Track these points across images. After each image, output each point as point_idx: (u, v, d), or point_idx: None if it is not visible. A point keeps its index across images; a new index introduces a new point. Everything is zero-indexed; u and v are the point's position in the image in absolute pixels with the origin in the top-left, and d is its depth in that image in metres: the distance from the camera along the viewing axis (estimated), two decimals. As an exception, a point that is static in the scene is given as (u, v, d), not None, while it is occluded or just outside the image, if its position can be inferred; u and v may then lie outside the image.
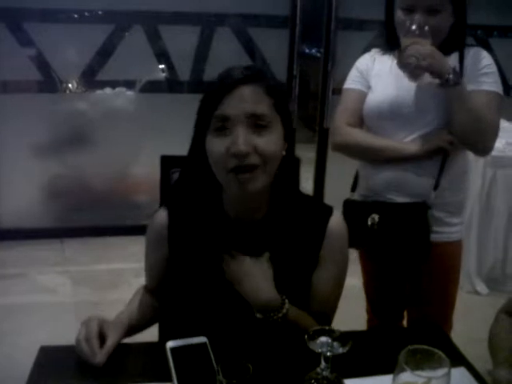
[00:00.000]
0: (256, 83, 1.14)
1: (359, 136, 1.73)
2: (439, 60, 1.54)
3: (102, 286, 2.92)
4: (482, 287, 3.09)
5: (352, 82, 1.78)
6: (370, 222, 1.69)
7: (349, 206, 1.79)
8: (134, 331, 1.31)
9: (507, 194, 3.01)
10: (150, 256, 1.36)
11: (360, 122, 1.75)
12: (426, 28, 1.55)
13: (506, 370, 1.11)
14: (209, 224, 1.25)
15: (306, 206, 1.28)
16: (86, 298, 2.90)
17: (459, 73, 1.58)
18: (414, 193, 1.66)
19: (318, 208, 1.29)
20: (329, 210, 1.28)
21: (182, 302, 1.29)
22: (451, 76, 1.54)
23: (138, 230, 3.63)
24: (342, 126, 1.74)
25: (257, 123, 1.13)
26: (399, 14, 1.61)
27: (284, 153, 1.20)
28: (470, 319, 2.46)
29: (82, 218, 3.58)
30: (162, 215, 1.30)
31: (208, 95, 1.17)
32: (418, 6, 1.56)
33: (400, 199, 1.68)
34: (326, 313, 1.30)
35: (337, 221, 1.28)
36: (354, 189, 1.84)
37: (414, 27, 1.55)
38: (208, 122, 1.15)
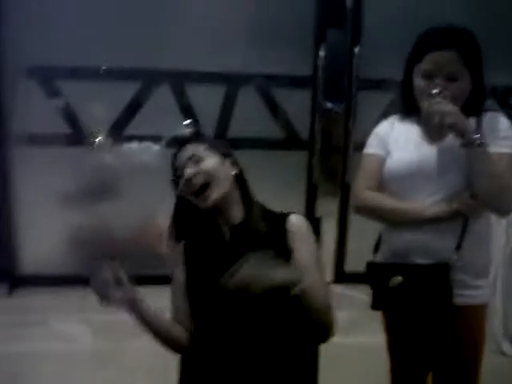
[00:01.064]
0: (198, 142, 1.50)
1: (379, 200, 1.75)
2: (463, 119, 1.56)
3: (122, 335, 2.87)
4: (508, 347, 3.01)
5: (371, 147, 1.80)
6: (392, 284, 1.69)
7: (371, 268, 1.79)
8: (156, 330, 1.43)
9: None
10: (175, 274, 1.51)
11: (379, 186, 1.77)
12: (446, 93, 1.57)
13: None
14: (205, 232, 1.48)
15: (269, 213, 1.48)
16: (106, 347, 2.90)
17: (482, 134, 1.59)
18: (436, 254, 1.65)
19: (279, 213, 1.48)
20: (288, 213, 1.47)
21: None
22: (476, 136, 1.55)
23: (160, 280, 3.65)
24: (361, 190, 1.77)
25: (195, 155, 1.43)
26: (419, 81, 1.64)
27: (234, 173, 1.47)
28: (496, 380, 2.38)
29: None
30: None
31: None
32: (438, 72, 1.59)
33: (423, 261, 1.67)
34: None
35: (296, 216, 1.45)
36: (376, 250, 1.84)
37: (435, 90, 1.57)
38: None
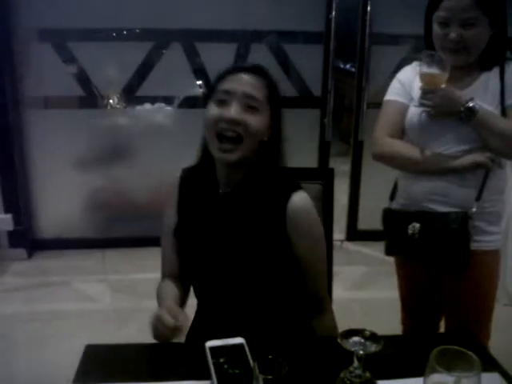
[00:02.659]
0: (258, 75, 1.36)
1: (400, 147, 1.76)
2: (449, 102, 1.62)
3: (140, 294, 2.98)
4: (521, 301, 3.06)
5: (393, 93, 1.80)
6: (410, 231, 1.72)
7: (388, 215, 1.82)
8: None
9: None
10: (165, 216, 1.50)
11: (401, 133, 1.77)
12: (445, 59, 1.59)
13: None
14: (203, 186, 1.44)
15: (276, 184, 1.40)
16: (125, 306, 2.98)
17: (474, 105, 1.60)
18: (456, 203, 1.68)
19: (282, 187, 1.39)
20: (291, 189, 1.38)
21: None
22: (463, 114, 1.60)
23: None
24: (382, 137, 1.77)
25: (250, 104, 1.33)
26: (436, 29, 1.64)
27: (266, 138, 1.38)
28: (507, 332, 2.43)
29: (121, 229, 3.69)
30: (177, 173, 1.52)
31: (220, 74, 1.39)
32: (452, 19, 1.59)
33: (441, 209, 1.70)
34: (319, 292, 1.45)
35: (298, 200, 1.37)
36: (392, 198, 1.86)
37: (452, 36, 1.59)
38: (213, 92, 1.37)
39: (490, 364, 1.19)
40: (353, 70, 3.89)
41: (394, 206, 1.85)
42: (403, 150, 1.75)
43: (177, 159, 3.48)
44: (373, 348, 0.96)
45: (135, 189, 3.65)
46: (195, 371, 1.15)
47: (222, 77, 1.37)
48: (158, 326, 1.26)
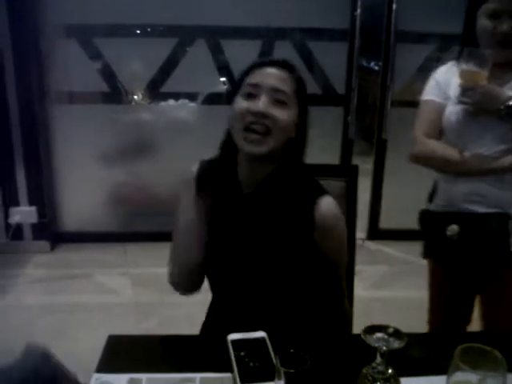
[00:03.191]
0: (286, 69, 1.34)
1: (438, 148, 1.73)
2: (489, 99, 1.59)
3: (160, 288, 2.96)
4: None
5: (430, 93, 1.77)
6: (449, 233, 1.69)
7: (426, 216, 1.79)
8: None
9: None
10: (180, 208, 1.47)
11: (438, 133, 1.75)
12: (485, 56, 1.57)
13: None
14: (222, 182, 1.41)
15: (301, 186, 1.38)
16: (146, 300, 3.00)
17: None
18: (496, 204, 1.65)
19: (308, 191, 1.38)
20: (317, 193, 1.36)
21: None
22: (503, 112, 1.58)
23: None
24: (420, 137, 1.75)
25: (278, 98, 1.31)
26: (483, 22, 1.60)
27: (294, 134, 1.36)
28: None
29: (143, 223, 3.72)
30: (194, 166, 1.46)
31: (247, 67, 1.37)
32: (503, 11, 1.55)
33: (480, 210, 1.67)
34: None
35: (326, 206, 1.35)
36: (431, 199, 1.83)
37: (503, 28, 1.55)
38: (240, 86, 1.35)
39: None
40: (376, 68, 3.86)
41: (433, 207, 1.82)
42: (441, 150, 1.73)
43: (199, 155, 3.54)
44: (396, 344, 0.95)
45: (157, 184, 3.67)
46: (215, 363, 1.16)
47: (249, 71, 1.36)
48: None
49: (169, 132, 3.60)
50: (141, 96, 3.54)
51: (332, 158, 3.61)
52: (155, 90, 3.54)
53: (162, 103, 3.58)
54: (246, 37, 3.48)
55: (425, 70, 3.51)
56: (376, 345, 0.96)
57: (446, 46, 3.50)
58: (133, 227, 3.74)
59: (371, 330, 0.98)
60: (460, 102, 1.64)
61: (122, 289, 3.16)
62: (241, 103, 1.32)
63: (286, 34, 3.48)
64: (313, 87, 3.54)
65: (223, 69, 3.50)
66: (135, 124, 3.60)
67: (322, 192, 1.37)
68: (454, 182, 1.72)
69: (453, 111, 1.70)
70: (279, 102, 1.30)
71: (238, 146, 1.34)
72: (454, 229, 1.68)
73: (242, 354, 1.15)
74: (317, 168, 1.54)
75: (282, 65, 1.35)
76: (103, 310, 2.90)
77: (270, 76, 1.32)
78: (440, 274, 1.88)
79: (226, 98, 3.54)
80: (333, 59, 3.54)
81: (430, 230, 1.77)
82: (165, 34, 3.45)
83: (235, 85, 1.40)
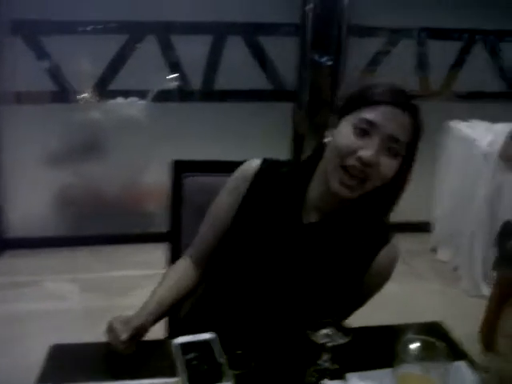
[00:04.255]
0: (409, 113, 1.21)
1: None
2: None
3: (112, 292, 2.95)
4: (487, 291, 3.07)
5: None
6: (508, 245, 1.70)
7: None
8: (169, 310, 1.37)
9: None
10: (220, 202, 1.39)
11: None
12: None
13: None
14: (285, 202, 1.30)
15: (370, 226, 1.29)
16: (97, 305, 2.92)
17: None
18: None
19: (377, 232, 1.30)
20: (383, 241, 1.29)
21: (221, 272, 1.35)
22: None
23: (147, 238, 3.69)
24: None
25: (391, 147, 1.18)
26: None
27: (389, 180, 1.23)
28: (475, 322, 2.45)
29: (93, 227, 3.62)
30: (252, 164, 1.36)
31: (368, 95, 1.22)
32: None
33: None
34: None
35: (386, 256, 1.29)
36: None
37: None
38: (351, 107, 1.22)
39: (458, 353, 1.20)
40: (329, 63, 3.87)
41: None
42: None
43: (150, 154, 3.53)
44: (341, 340, 0.95)
45: (107, 185, 3.58)
46: (164, 368, 1.12)
47: (369, 101, 1.21)
48: (109, 334, 1.21)
49: (118, 131, 3.51)
50: (89, 94, 3.45)
51: (283, 153, 3.61)
52: (104, 88, 3.44)
53: (112, 101, 3.49)
54: (197, 32, 3.42)
55: (375, 64, 3.57)
56: (322, 341, 0.96)
57: (395, 40, 3.56)
58: (82, 231, 3.64)
59: (317, 326, 0.98)
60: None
61: (71, 295, 3.07)
62: (349, 138, 1.19)
63: (237, 29, 3.44)
64: (264, 83, 3.54)
65: (174, 65, 3.45)
66: (84, 123, 3.50)
67: (387, 239, 1.29)
68: None
69: None
70: (391, 151, 1.19)
71: (328, 180, 1.22)
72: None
73: (191, 356, 1.12)
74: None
75: (406, 106, 1.21)
76: (52, 317, 2.80)
77: (392, 120, 1.18)
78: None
79: (178, 95, 3.51)
80: (284, 54, 3.53)
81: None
82: (114, 31, 3.36)
83: (346, 104, 1.26)
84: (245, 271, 1.32)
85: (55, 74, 3.37)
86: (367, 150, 1.16)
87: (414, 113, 1.22)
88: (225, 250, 1.36)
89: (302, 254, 1.28)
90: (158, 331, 1.46)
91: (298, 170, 1.33)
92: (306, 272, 1.27)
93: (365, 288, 1.31)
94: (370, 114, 1.18)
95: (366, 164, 1.16)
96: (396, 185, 1.25)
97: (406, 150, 1.22)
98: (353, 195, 1.20)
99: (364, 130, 1.18)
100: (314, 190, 1.28)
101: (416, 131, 1.23)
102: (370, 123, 1.18)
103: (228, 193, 1.38)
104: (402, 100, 1.21)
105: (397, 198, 1.28)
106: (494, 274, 1.90)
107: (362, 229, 1.28)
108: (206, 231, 1.42)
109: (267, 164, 1.35)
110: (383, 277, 1.31)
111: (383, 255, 1.28)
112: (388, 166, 1.19)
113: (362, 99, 1.22)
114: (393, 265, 1.31)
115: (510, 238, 1.70)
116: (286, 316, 1.27)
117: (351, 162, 1.17)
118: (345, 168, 1.18)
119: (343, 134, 1.20)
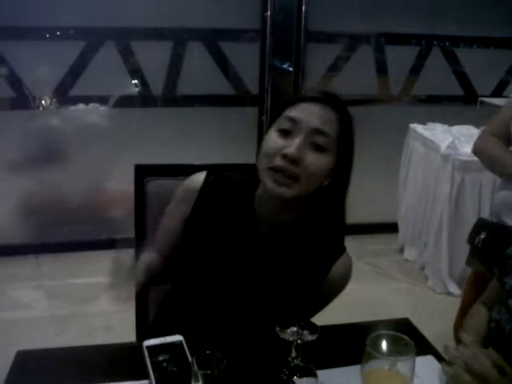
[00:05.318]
0: (334, 108, 1.22)
1: (491, 145, 1.75)
2: None
3: (76, 299, 2.91)
4: (454, 288, 3.17)
5: None
6: (476, 241, 1.72)
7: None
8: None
9: (474, 197, 3.10)
10: (170, 213, 1.39)
11: (506, 137, 1.74)
12: None
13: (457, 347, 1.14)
14: (235, 213, 1.29)
15: (325, 235, 1.30)
16: (62, 312, 2.89)
17: None
18: None
19: (332, 242, 1.31)
20: (338, 252, 1.31)
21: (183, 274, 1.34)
22: None
23: (111, 244, 3.64)
24: (484, 133, 1.79)
25: (317, 142, 1.19)
26: None
27: (325, 183, 1.24)
28: (443, 318, 2.51)
29: (56, 234, 3.56)
30: (199, 177, 1.35)
31: (288, 99, 1.27)
32: None
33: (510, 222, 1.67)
34: None
35: (342, 267, 1.30)
36: None
37: None
38: (277, 118, 1.24)
39: (425, 347, 1.23)
40: (290, 68, 3.92)
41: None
42: (492, 148, 1.75)
43: (113, 160, 3.48)
44: (309, 337, 0.96)
45: (71, 192, 3.53)
46: (133, 371, 1.12)
47: (290, 103, 1.24)
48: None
49: (80, 137, 3.46)
50: (49, 101, 3.40)
51: (248, 157, 3.61)
52: (64, 95, 3.40)
53: (72, 107, 3.45)
54: (158, 38, 3.42)
55: (335, 70, 3.62)
56: (290, 338, 0.97)
57: (354, 46, 3.62)
58: (45, 238, 3.57)
59: (286, 324, 0.99)
60: None
61: (36, 303, 3.02)
62: (274, 139, 1.21)
63: (198, 35, 3.45)
64: (226, 88, 3.55)
65: (135, 71, 3.43)
66: (44, 130, 3.44)
67: (342, 249, 1.31)
68: (499, 190, 1.75)
69: None
70: (317, 147, 1.19)
71: (264, 183, 1.22)
72: (480, 237, 1.70)
73: (160, 359, 1.12)
74: (233, 167, 1.53)
75: (329, 101, 1.23)
76: (18, 326, 2.76)
77: (314, 114, 1.20)
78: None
79: (140, 101, 3.49)
80: (246, 60, 3.55)
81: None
82: (73, 37, 3.32)
83: (274, 115, 1.28)
84: (202, 279, 1.31)
85: (13, 80, 3.31)
86: (290, 147, 1.17)
87: (338, 107, 1.23)
88: (182, 258, 1.35)
89: (254, 264, 1.28)
90: (128, 335, 1.45)
91: (242, 181, 1.33)
92: (261, 281, 1.27)
93: (323, 294, 1.33)
94: (291, 112, 1.21)
95: (291, 161, 1.17)
96: (338, 186, 1.26)
97: (338, 147, 1.22)
98: (290, 193, 1.19)
99: (287, 131, 1.20)
100: (261, 198, 1.28)
101: (344, 126, 1.23)
102: (293, 120, 1.20)
103: (179, 201, 1.37)
104: (323, 95, 1.24)
105: (342, 200, 1.28)
106: (468, 269, 1.93)
107: (315, 239, 1.28)
108: (159, 238, 1.41)
109: (213, 177, 1.35)
110: (340, 286, 1.32)
111: (339, 266, 1.28)
112: (315, 161, 1.19)
113: (285, 103, 1.26)
114: (349, 274, 1.31)
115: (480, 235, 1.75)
116: (250, 317, 1.28)
117: (278, 161, 1.18)
118: (274, 169, 1.19)
119: (269, 138, 1.22)
